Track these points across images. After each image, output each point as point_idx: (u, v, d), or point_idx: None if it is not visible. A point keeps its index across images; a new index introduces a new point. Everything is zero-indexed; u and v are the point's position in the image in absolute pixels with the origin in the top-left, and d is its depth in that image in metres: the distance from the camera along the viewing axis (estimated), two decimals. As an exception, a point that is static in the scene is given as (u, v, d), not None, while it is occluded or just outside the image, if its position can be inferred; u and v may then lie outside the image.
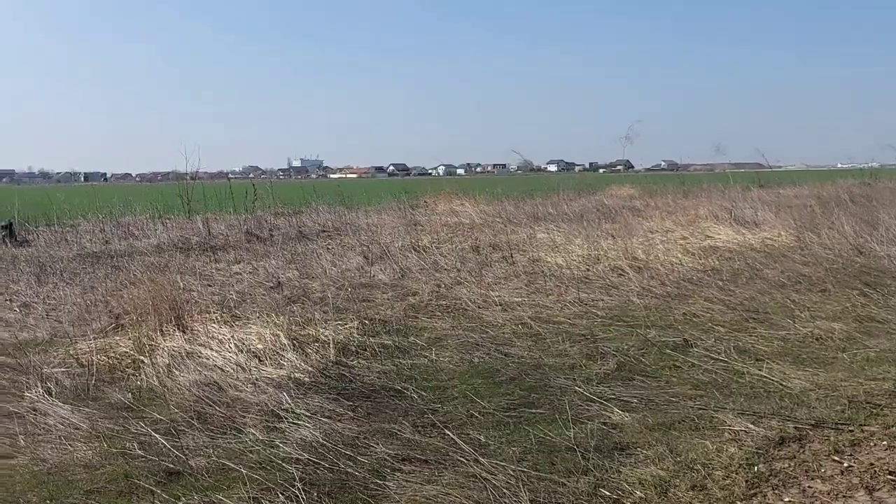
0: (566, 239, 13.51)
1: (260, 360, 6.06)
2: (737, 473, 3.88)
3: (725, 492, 3.70)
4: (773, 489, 3.72)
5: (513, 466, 3.99)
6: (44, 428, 4.82)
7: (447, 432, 4.41)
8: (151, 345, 6.49)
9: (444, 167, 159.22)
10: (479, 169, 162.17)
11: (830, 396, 5.00)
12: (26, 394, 5.40)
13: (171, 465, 4.15)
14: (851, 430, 4.44)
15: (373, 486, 3.84)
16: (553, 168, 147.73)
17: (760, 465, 3.98)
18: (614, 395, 5.17)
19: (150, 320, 6.88)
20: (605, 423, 4.63)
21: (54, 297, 9.58)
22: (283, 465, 4.09)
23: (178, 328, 6.79)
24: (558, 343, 6.66)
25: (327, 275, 10.97)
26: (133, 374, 6.02)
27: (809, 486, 3.75)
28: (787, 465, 3.99)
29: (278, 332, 6.45)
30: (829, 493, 3.67)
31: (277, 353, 6.15)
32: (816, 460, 4.05)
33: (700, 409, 4.85)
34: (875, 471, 3.87)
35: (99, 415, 5.04)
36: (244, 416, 4.89)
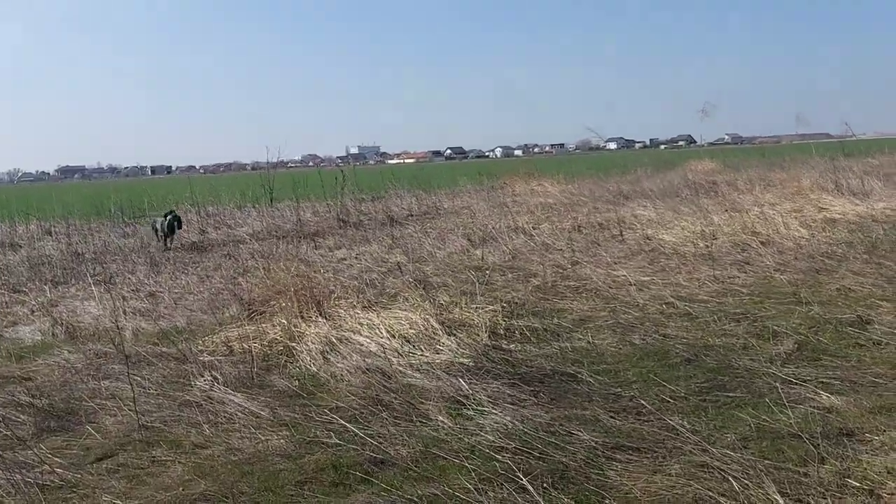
0: (670, 216, 13.06)
1: (414, 346, 5.92)
2: None
3: None
4: None
5: (737, 454, 3.74)
6: (225, 416, 4.76)
7: (663, 418, 4.17)
8: (298, 332, 6.41)
9: (501, 149, 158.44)
10: (536, 150, 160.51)
11: None
12: (195, 382, 5.37)
13: (373, 454, 4.02)
14: None
15: (595, 477, 3.64)
16: (613, 146, 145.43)
17: None
18: (809, 376, 4.85)
19: (291, 307, 6.81)
20: (815, 407, 4.33)
21: (176, 287, 9.66)
22: (491, 453, 3.92)
23: (321, 315, 6.71)
24: (716, 322, 6.35)
25: (436, 258, 10.84)
26: (288, 361, 5.95)
27: None
28: None
29: (428, 316, 6.30)
30: None
31: (431, 337, 6.00)
32: None
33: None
34: None
35: (274, 402, 4.97)
36: (425, 403, 4.74)
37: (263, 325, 6.73)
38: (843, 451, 3.75)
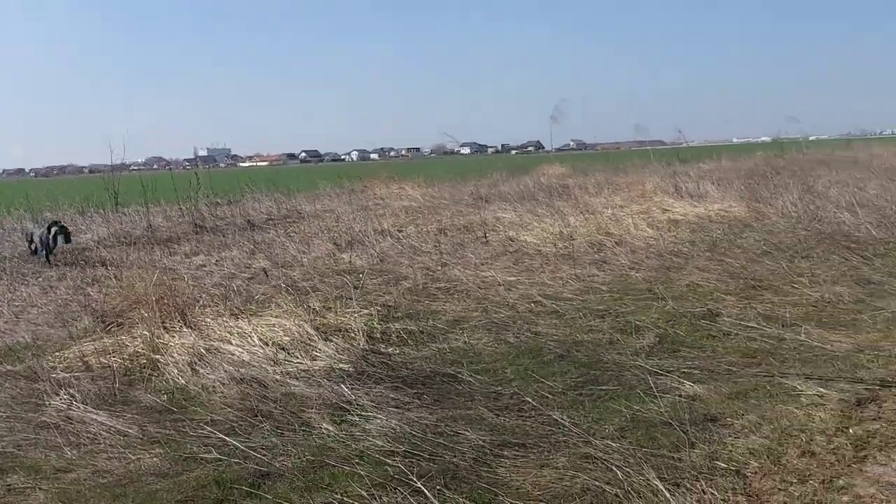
0: (530, 218, 13.52)
1: (289, 353, 5.76)
2: (837, 437, 3.93)
3: (835, 456, 3.74)
4: (878, 450, 3.79)
5: (617, 444, 3.93)
6: (88, 437, 4.42)
7: (545, 413, 4.30)
8: (161, 343, 6.06)
9: (357, 152, 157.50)
10: (392, 153, 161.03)
11: (880, 357, 5.15)
12: (50, 402, 4.95)
13: (257, 467, 3.87)
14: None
15: (486, 475, 3.69)
16: (466, 150, 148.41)
17: (855, 428, 4.05)
18: (672, 367, 5.17)
19: (152, 317, 6.43)
20: (681, 396, 4.62)
21: (16, 300, 8.87)
22: (381, 457, 3.89)
23: (185, 324, 6.38)
24: (582, 319, 6.64)
25: (302, 263, 10.63)
26: (153, 375, 5.61)
27: (912, 444, 3.83)
28: (877, 427, 4.06)
29: (302, 322, 6.15)
30: (937, 449, 3.76)
31: (307, 344, 5.87)
32: (902, 418, 4.15)
33: (765, 376, 4.91)
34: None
35: (142, 419, 4.67)
36: (307, 412, 4.62)
37: (122, 338, 6.31)
38: (710, 436, 4.03)
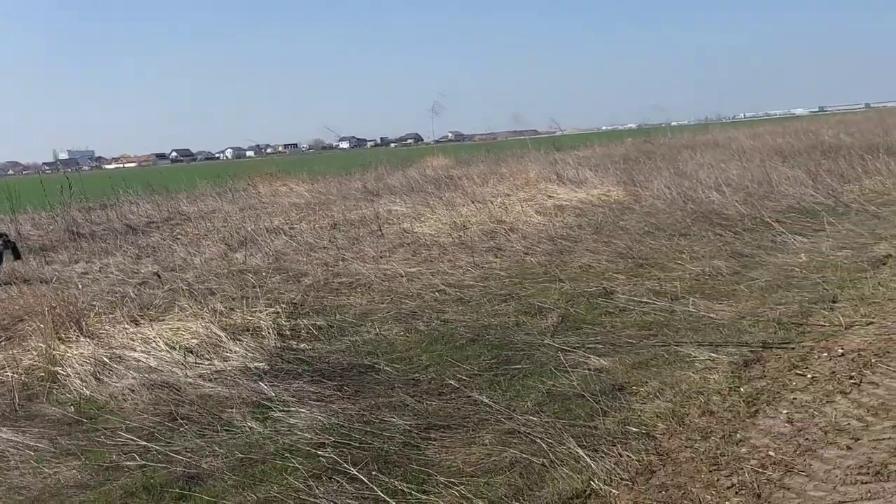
0: (422, 209, 13.70)
1: (199, 356, 5.66)
2: (731, 396, 4.33)
3: (731, 413, 4.12)
4: (767, 405, 4.20)
5: (537, 418, 4.16)
6: (-6, 456, 4.20)
7: (465, 395, 4.46)
8: (58, 355, 5.80)
9: (231, 150, 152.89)
10: (269, 150, 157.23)
11: (759, 322, 5.66)
12: (-57, 423, 4.65)
13: (185, 469, 3.83)
14: (793, 348, 5.08)
15: (416, 458, 3.82)
16: (345, 145, 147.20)
17: (745, 387, 4.46)
18: (577, 343, 5.47)
19: (45, 329, 6.12)
20: (589, 369, 4.91)
21: None
22: (312, 449, 3.93)
23: (82, 334, 6.13)
24: (487, 304, 6.87)
25: (194, 265, 10.33)
26: (54, 388, 5.37)
27: (794, 398, 4.27)
28: (764, 384, 4.50)
29: (209, 324, 6.05)
30: (814, 401, 4.21)
31: (216, 345, 5.78)
32: (784, 376, 4.61)
33: (662, 345, 5.29)
34: (838, 378, 4.49)
35: (51, 432, 4.48)
36: (227, 411, 4.58)
37: (13, 352, 5.98)
38: (620, 404, 4.33)
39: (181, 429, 4.38)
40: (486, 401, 4.45)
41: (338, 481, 3.55)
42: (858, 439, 3.71)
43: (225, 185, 24.80)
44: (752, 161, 18.02)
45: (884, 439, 3.68)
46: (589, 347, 5.35)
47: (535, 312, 6.43)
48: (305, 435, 4.14)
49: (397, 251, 10.24)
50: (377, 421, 4.30)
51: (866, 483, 3.29)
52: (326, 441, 4.02)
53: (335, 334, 6.29)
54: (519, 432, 3.98)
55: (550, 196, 14.70)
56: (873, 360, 4.72)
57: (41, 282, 9.10)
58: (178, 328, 6.07)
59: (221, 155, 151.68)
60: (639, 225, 10.53)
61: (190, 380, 5.20)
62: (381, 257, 9.77)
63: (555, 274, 7.90)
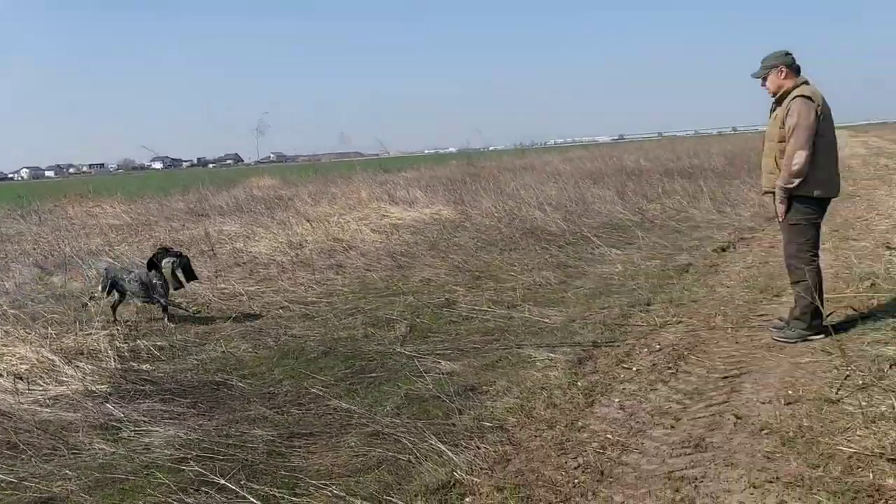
0: (255, 229, 13.47)
1: (31, 382, 5.30)
2: (570, 390, 4.76)
3: (572, 404, 4.54)
4: (601, 395, 4.67)
5: (398, 420, 4.35)
6: None
7: (324, 404, 4.55)
8: None
9: (28, 170, 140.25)
10: (72, 170, 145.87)
11: (588, 324, 6.21)
12: None
13: (37, 496, 3.63)
14: (618, 346, 5.65)
15: (283, 465, 3.88)
16: (159, 165, 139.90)
17: (581, 381, 4.92)
18: (427, 350, 5.73)
19: None
20: (442, 373, 5.18)
21: None
22: (174, 465, 3.86)
23: None
24: (334, 319, 6.97)
25: (6, 290, 9.51)
26: None
27: (624, 388, 4.78)
28: (597, 378, 4.98)
29: (39, 348, 5.67)
30: (640, 390, 4.73)
31: (50, 370, 5.44)
32: (613, 370, 5.13)
33: (505, 349, 5.67)
34: (658, 369, 5.07)
35: None
36: (72, 435, 4.36)
37: None
38: (473, 402, 4.63)
39: (24, 455, 4.11)
40: (347, 407, 4.58)
41: (206, 492, 3.53)
42: (679, 419, 4.24)
43: (27, 206, 22.85)
44: (568, 183, 19.37)
45: (700, 418, 4.23)
46: (438, 353, 5.62)
47: (383, 324, 6.63)
48: (165, 451, 4.05)
49: (233, 270, 10.05)
50: (238, 434, 4.29)
51: (689, 454, 3.78)
52: (188, 456, 3.96)
53: (178, 354, 6.13)
54: (383, 433, 4.15)
55: (384, 215, 15.00)
56: (685, 353, 5.38)
57: None
58: (3, 354, 5.64)
59: (16, 175, 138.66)
60: (471, 241, 11.06)
61: (25, 406, 4.87)
62: (217, 276, 9.54)
63: (398, 288, 8.15)
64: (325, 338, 6.34)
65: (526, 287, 7.83)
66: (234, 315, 7.35)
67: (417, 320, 6.69)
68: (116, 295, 7.60)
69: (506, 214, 13.92)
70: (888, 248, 8.65)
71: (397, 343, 6.01)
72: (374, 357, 5.68)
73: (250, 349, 6.15)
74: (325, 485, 3.56)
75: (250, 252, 11.39)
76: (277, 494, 3.50)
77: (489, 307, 6.95)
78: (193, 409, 4.74)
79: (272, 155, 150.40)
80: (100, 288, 7.72)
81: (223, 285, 8.91)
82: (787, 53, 5.37)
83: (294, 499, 3.47)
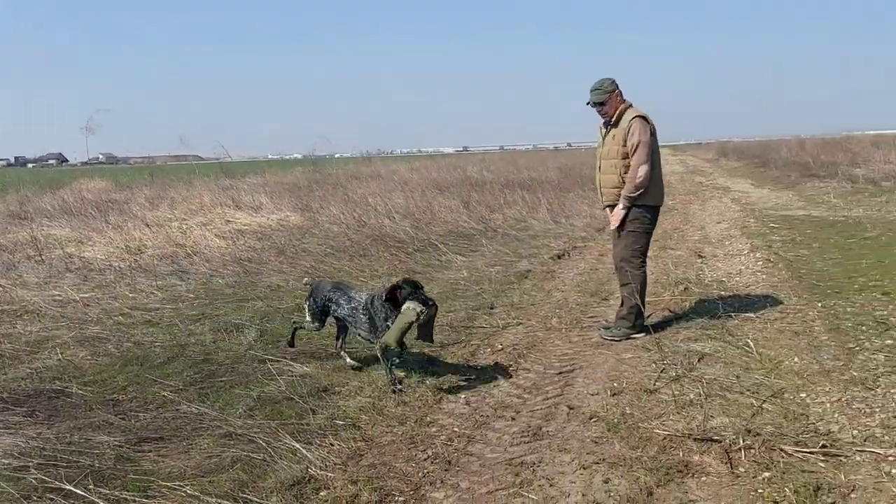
0: (89, 233, 12.75)
1: None
2: (419, 388, 5.00)
3: (421, 401, 4.78)
4: (449, 392, 4.94)
5: (252, 421, 4.40)
6: None
7: (174, 409, 4.49)
8: None
9: None
10: None
11: (435, 327, 6.48)
12: None
13: None
14: (464, 346, 5.99)
15: (133, 469, 3.83)
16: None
17: (430, 379, 5.17)
18: (279, 354, 5.76)
19: None
20: (295, 376, 5.25)
21: None
22: (14, 474, 3.70)
23: None
24: (180, 325, 6.81)
25: None
26: None
27: (470, 385, 5.08)
28: (445, 376, 5.26)
29: None
30: (484, 386, 5.05)
31: None
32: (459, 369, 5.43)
33: (357, 351, 5.82)
34: (501, 367, 5.42)
35: None
36: None
37: None
38: (326, 402, 4.76)
39: None
40: (198, 410, 4.55)
41: (52, 498, 3.43)
42: (519, 412, 4.59)
43: None
44: (415, 192, 19.78)
45: (537, 410, 4.61)
46: (289, 356, 5.68)
47: (232, 329, 6.57)
48: (3, 461, 3.86)
49: (65, 276, 9.49)
50: (82, 441, 4.16)
51: (528, 443, 4.13)
52: (29, 464, 3.81)
53: (8, 363, 5.77)
54: (237, 435, 4.18)
55: (229, 221, 14.66)
56: (525, 352, 5.79)
57: None
58: None
59: None
60: (320, 247, 11.09)
61: None
62: (47, 283, 8.98)
63: (246, 294, 8.08)
64: (172, 344, 6.20)
65: (377, 292, 8.01)
66: (68, 322, 7.00)
67: (268, 325, 6.70)
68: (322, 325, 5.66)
69: (355, 221, 14.04)
70: (699, 256, 9.65)
71: (247, 348, 6.00)
72: (223, 362, 5.64)
73: (89, 357, 5.91)
74: (179, 486, 3.56)
75: (84, 257, 10.78)
76: (129, 497, 3.47)
77: (340, 311, 7.06)
78: (31, 418, 4.52)
79: (101, 156, 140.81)
80: (307, 315, 5.61)
81: (55, 292, 8.41)
82: (614, 80, 5.94)
83: (146, 500, 3.45)
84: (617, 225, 6.01)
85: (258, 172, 35.89)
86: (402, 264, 9.56)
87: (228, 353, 5.85)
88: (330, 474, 3.76)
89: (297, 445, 4.01)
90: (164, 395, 4.91)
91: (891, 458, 3.71)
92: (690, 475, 3.64)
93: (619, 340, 5.97)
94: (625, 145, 5.84)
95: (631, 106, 5.94)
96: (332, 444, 4.11)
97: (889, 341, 5.56)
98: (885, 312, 6.39)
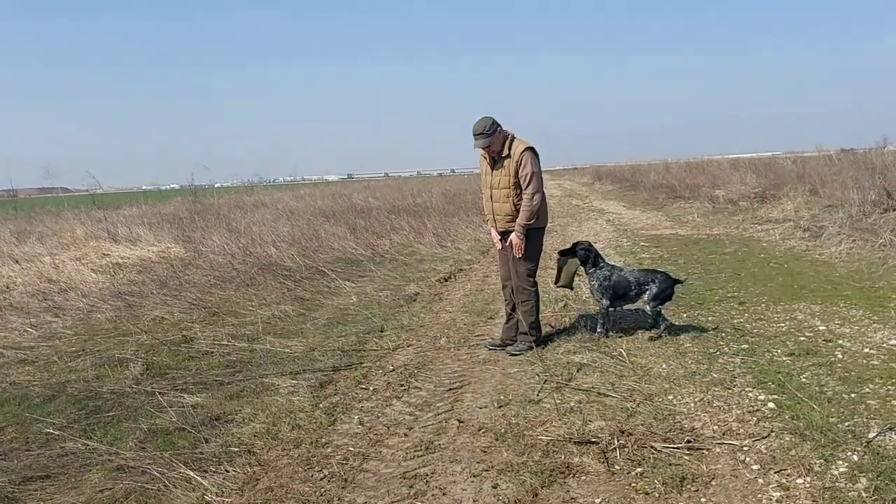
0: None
1: None
2: (313, 412, 5.08)
3: (315, 423, 4.88)
4: (343, 414, 5.06)
5: (144, 453, 4.36)
6: None
7: (57, 447, 4.37)
8: None
9: None
10: None
11: (327, 352, 6.59)
12: None
13: None
14: (356, 369, 6.10)
15: (18, 510, 3.72)
16: None
17: (324, 402, 5.27)
18: (167, 387, 5.68)
19: None
20: (185, 406, 5.20)
21: None
22: None
23: None
24: (58, 362, 6.58)
25: None
26: None
27: (362, 406, 5.22)
28: (338, 399, 5.37)
29: None
30: (377, 406, 5.20)
31: None
32: (352, 391, 5.55)
33: (248, 379, 5.84)
34: (392, 387, 5.59)
35: None
36: None
37: None
38: (219, 431, 4.76)
39: None
40: (84, 446, 4.46)
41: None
42: (412, 428, 4.76)
43: None
44: (301, 220, 19.69)
45: (429, 425, 4.80)
46: (180, 388, 5.62)
47: (116, 364, 6.41)
48: None
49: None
50: (-42, 486, 4.00)
51: (421, 456, 4.30)
52: None
53: None
54: (129, 467, 4.13)
55: (105, 254, 14.12)
56: (416, 372, 5.98)
57: None
58: None
59: None
60: (205, 278, 10.90)
61: None
62: None
63: (128, 328, 7.86)
64: (51, 382, 5.99)
65: (266, 321, 8.01)
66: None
67: (154, 358, 6.57)
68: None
69: (240, 251, 13.85)
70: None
71: (133, 382, 5.88)
72: (109, 397, 5.52)
73: (-40, 400, 5.62)
74: (70, 522, 3.51)
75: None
76: (16, 538, 3.38)
77: (229, 341, 7.03)
78: None
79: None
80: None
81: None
82: (493, 119, 6.22)
83: (36, 540, 3.38)
84: (521, 254, 6.31)
85: (133, 204, 34.60)
86: (290, 292, 9.55)
87: (114, 388, 5.72)
88: (227, 500, 3.80)
89: (192, 474, 4.02)
90: (47, 433, 4.77)
91: (745, 448, 4.14)
92: (572, 475, 3.93)
93: (522, 353, 6.27)
94: (516, 176, 6.19)
95: (515, 137, 6.29)
96: (228, 471, 4.14)
97: (745, 346, 6.14)
98: (742, 320, 7.04)
